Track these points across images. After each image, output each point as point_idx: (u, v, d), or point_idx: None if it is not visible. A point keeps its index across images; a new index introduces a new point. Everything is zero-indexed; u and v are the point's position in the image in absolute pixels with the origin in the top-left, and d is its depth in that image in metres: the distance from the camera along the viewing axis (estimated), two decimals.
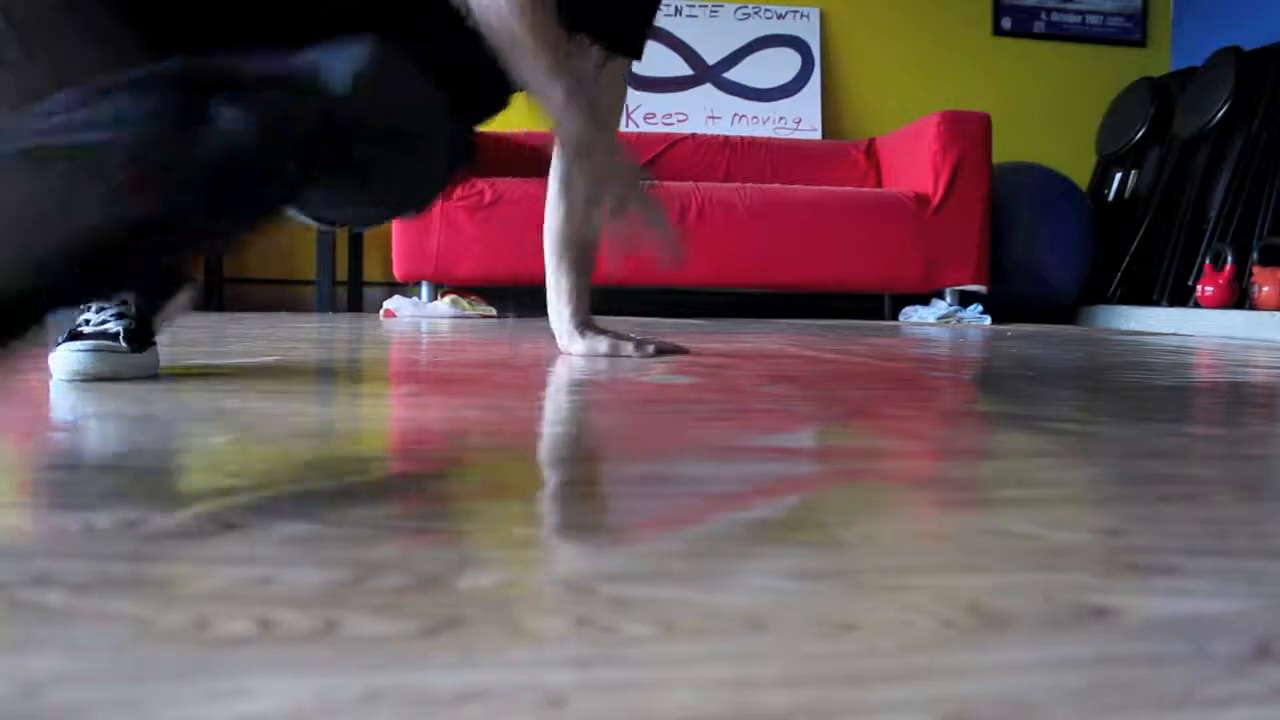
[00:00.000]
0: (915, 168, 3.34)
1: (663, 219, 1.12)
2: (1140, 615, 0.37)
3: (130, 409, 0.86)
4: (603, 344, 1.49)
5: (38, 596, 0.37)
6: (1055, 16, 4.13)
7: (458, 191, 3.00)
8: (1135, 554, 0.47)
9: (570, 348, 1.49)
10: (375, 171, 0.80)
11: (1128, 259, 3.54)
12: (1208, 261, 3.19)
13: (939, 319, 3.19)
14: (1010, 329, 2.88)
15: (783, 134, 3.78)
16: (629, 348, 1.48)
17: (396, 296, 3.12)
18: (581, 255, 1.50)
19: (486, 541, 0.46)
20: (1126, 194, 3.75)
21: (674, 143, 3.56)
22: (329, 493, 0.55)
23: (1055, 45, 4.13)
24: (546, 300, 1.52)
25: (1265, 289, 2.90)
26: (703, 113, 3.79)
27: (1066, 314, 3.53)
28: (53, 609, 0.36)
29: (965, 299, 3.29)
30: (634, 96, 3.74)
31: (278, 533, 0.46)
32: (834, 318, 3.34)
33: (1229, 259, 3.10)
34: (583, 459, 0.72)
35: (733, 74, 3.82)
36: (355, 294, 3.56)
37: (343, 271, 3.53)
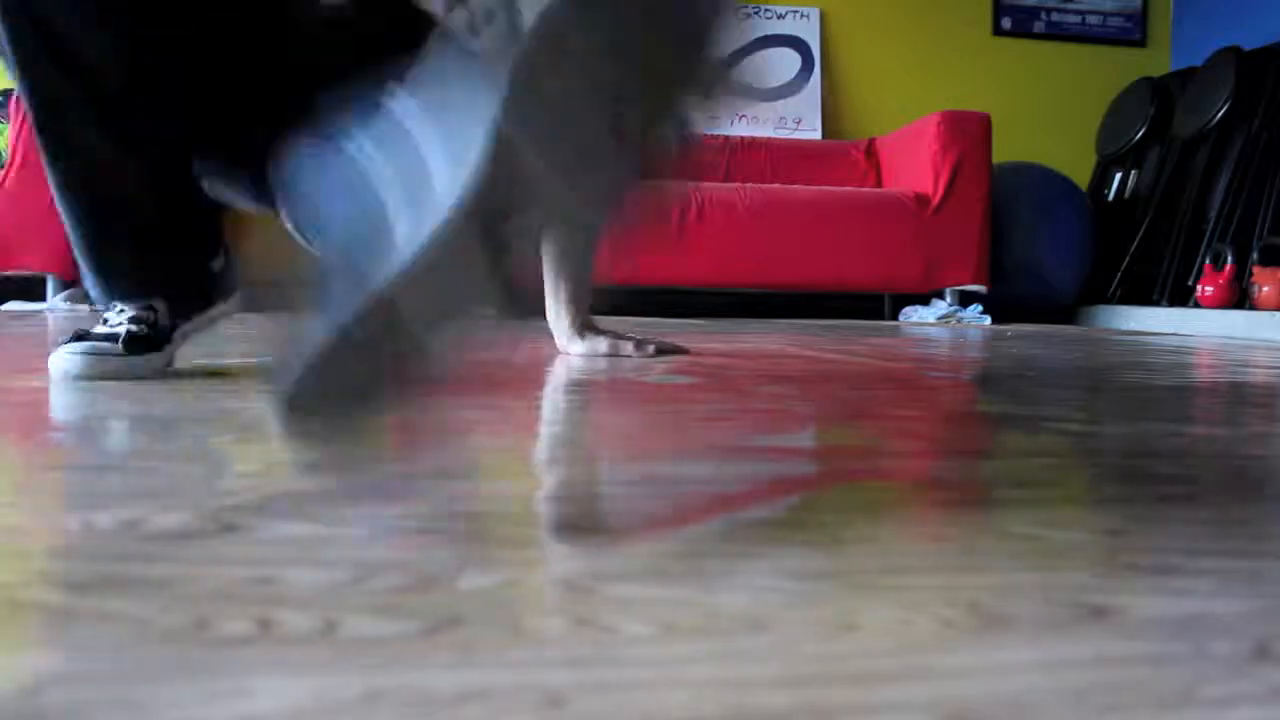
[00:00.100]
0: (915, 168, 3.34)
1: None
2: (1140, 615, 0.37)
3: (130, 409, 0.86)
4: (602, 344, 1.49)
5: (38, 596, 0.37)
6: (1055, 16, 4.13)
7: None
8: (1135, 554, 0.47)
9: (570, 348, 1.50)
10: None
11: (1128, 259, 3.54)
12: (1208, 261, 3.19)
13: (939, 319, 3.19)
14: (1010, 329, 2.88)
15: (783, 134, 3.78)
16: (629, 348, 1.48)
17: None
18: (578, 256, 1.50)
19: (486, 541, 0.46)
20: (1126, 194, 3.75)
21: None
22: (329, 493, 0.55)
23: (1055, 45, 4.13)
24: (546, 298, 1.52)
25: (1265, 289, 2.91)
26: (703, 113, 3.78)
27: (1066, 314, 3.53)
28: (53, 609, 0.36)
29: (965, 299, 3.29)
30: None
31: (278, 533, 0.46)
32: (834, 318, 3.34)
33: (1229, 259, 3.10)
34: (583, 459, 0.72)
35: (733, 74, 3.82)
36: None
37: None
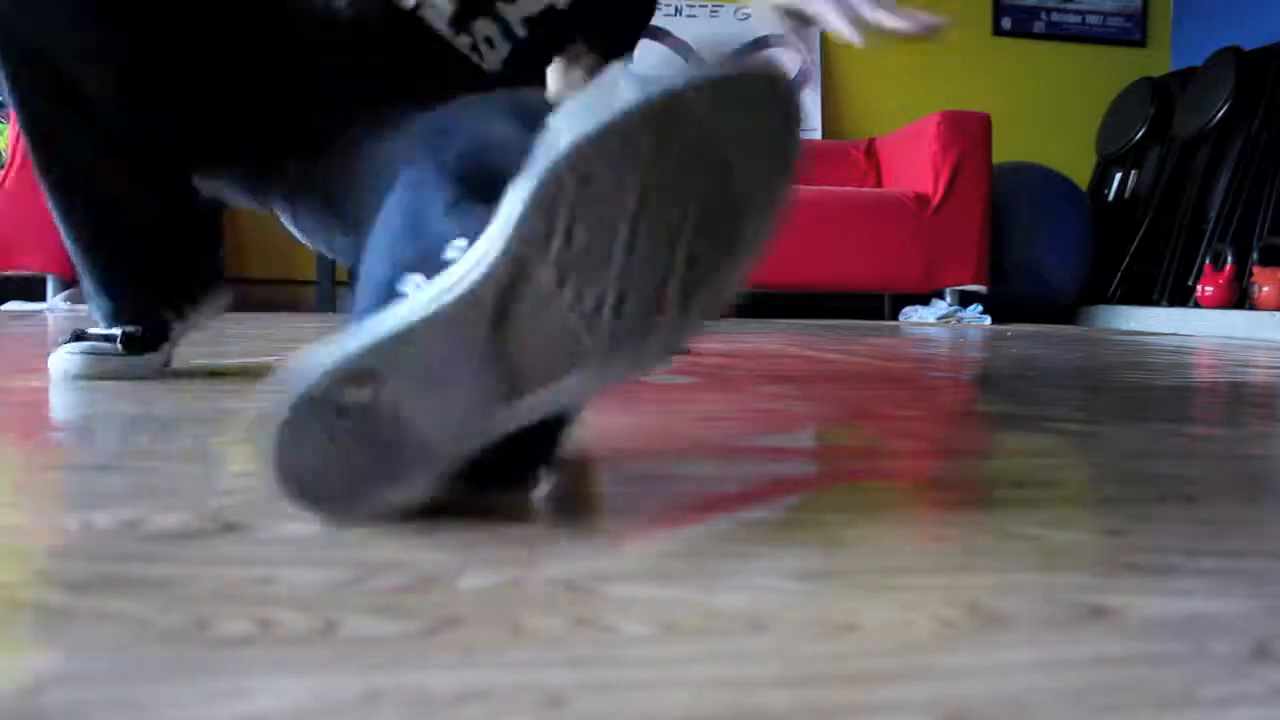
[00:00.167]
0: (915, 168, 3.34)
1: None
2: (1140, 615, 0.37)
3: (130, 409, 0.86)
4: None
5: (38, 596, 0.37)
6: (1055, 16, 4.13)
7: None
8: (1135, 554, 0.47)
9: None
10: None
11: (1128, 259, 3.54)
12: (1208, 261, 3.19)
13: (939, 319, 3.19)
14: (1010, 329, 2.88)
15: None
16: None
17: None
18: None
19: (486, 541, 0.46)
20: (1126, 194, 3.75)
21: None
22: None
23: (1055, 45, 4.13)
24: None
25: (1265, 289, 2.91)
26: None
27: (1066, 314, 3.53)
28: (53, 609, 0.36)
29: (965, 299, 3.29)
30: None
31: (278, 533, 0.46)
32: (834, 318, 3.34)
33: (1229, 259, 3.10)
34: (583, 459, 0.72)
35: None
36: None
37: (343, 272, 3.53)
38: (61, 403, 0.91)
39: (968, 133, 3.24)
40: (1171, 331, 2.99)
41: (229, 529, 0.46)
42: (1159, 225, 3.51)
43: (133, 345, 1.05)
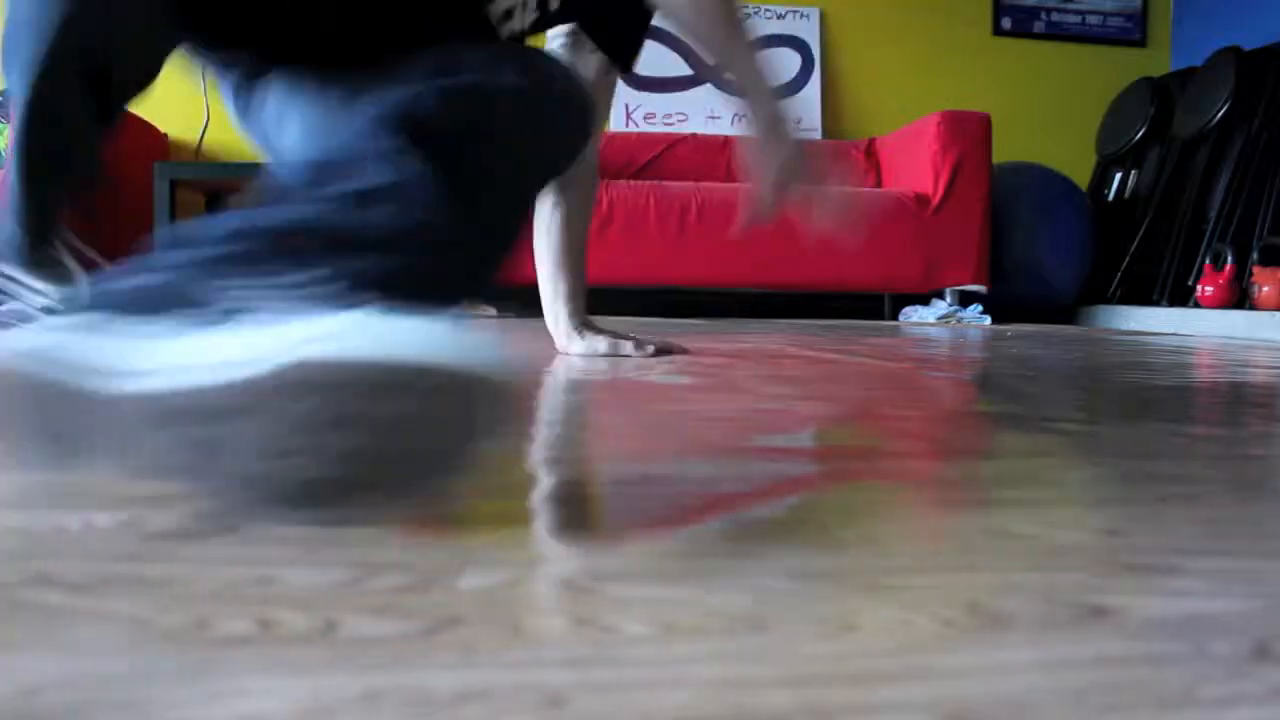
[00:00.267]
0: (915, 168, 3.34)
1: (841, 191, 1.10)
2: (1140, 615, 0.37)
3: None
4: (602, 344, 1.49)
5: (38, 596, 0.37)
6: (1055, 16, 4.13)
7: None
8: (1135, 554, 0.47)
9: (569, 348, 1.50)
10: None
11: (1128, 259, 3.54)
12: (1208, 261, 3.19)
13: (939, 319, 3.19)
14: (1010, 329, 2.88)
15: None
16: (628, 347, 1.48)
17: None
18: (576, 258, 1.50)
19: (486, 541, 0.46)
20: (1126, 194, 3.75)
21: (674, 143, 3.56)
22: (329, 493, 0.55)
23: (1055, 45, 4.14)
24: (542, 301, 1.52)
25: (1265, 289, 2.91)
26: (703, 113, 3.79)
27: (1066, 314, 3.53)
28: (53, 609, 0.36)
29: (965, 299, 3.29)
30: (634, 96, 3.74)
31: (278, 533, 0.46)
32: (834, 318, 3.34)
33: (1229, 259, 3.10)
34: (582, 459, 0.72)
35: None
36: None
37: None
38: None
39: (968, 133, 3.24)
40: (1171, 331, 2.99)
41: (229, 529, 0.46)
42: (1159, 225, 3.51)
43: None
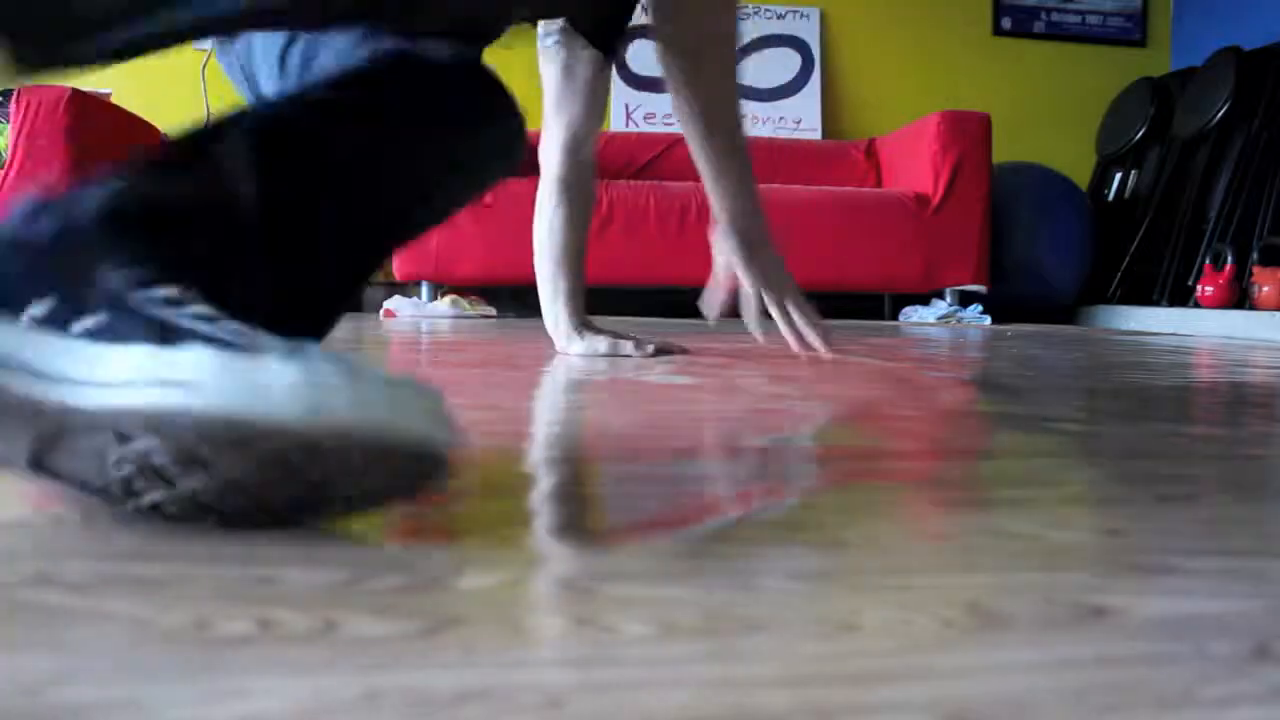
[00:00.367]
0: (915, 168, 3.34)
1: (815, 313, 1.12)
2: (1140, 615, 0.37)
3: None
4: (602, 344, 1.49)
5: (38, 596, 0.37)
6: (1055, 16, 4.13)
7: None
8: (1135, 554, 0.47)
9: (569, 349, 1.50)
10: None
11: (1128, 259, 3.54)
12: (1208, 261, 3.19)
13: (939, 319, 3.19)
14: (1010, 329, 2.88)
15: (783, 134, 3.78)
16: (628, 347, 1.48)
17: (396, 296, 3.12)
18: (576, 258, 1.50)
19: (486, 541, 0.46)
20: (1126, 194, 3.75)
21: (674, 143, 3.56)
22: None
23: (1055, 45, 4.14)
24: (540, 302, 1.52)
25: (1265, 289, 2.91)
26: None
27: (1066, 314, 3.54)
28: (53, 609, 0.36)
29: (965, 299, 3.29)
30: (634, 96, 3.74)
31: (278, 533, 0.46)
32: (834, 318, 3.34)
33: (1229, 259, 3.10)
34: (582, 459, 0.72)
35: None
36: None
37: None
38: None
39: (968, 133, 3.24)
40: (1171, 331, 2.99)
41: (229, 529, 0.46)
42: (1159, 225, 3.51)
43: None
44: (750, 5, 3.86)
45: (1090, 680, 0.31)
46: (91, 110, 2.87)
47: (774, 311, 1.05)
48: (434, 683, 0.30)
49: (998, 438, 0.85)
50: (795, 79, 3.87)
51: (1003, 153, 3.45)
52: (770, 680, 0.31)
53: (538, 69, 1.50)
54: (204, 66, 3.12)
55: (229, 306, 0.47)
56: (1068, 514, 0.56)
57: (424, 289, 3.14)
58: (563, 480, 0.63)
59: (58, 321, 0.44)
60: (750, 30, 3.85)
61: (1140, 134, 3.71)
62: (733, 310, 1.44)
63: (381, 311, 3.07)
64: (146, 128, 3.22)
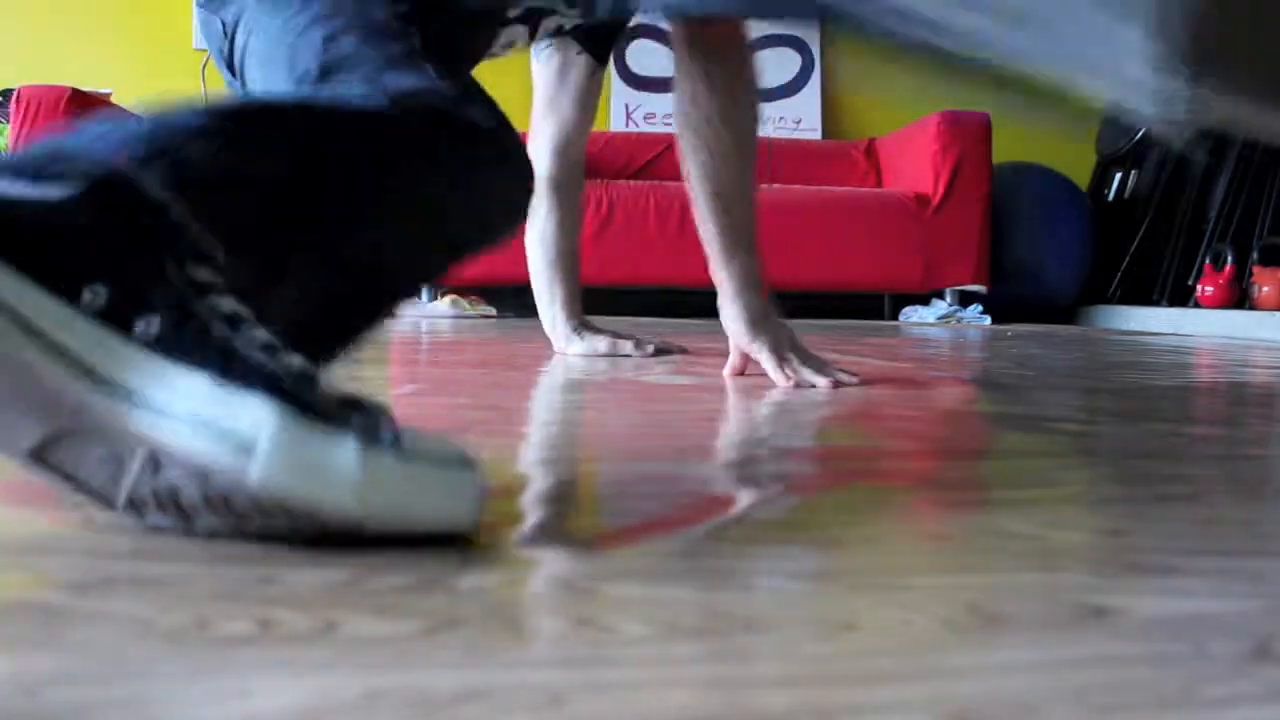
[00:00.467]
0: (915, 168, 3.34)
1: (818, 360, 1.18)
2: (1140, 615, 0.37)
3: None
4: (602, 343, 1.49)
5: (38, 596, 0.37)
6: None
7: None
8: (1135, 554, 0.47)
9: (568, 349, 1.50)
10: None
11: (1128, 259, 3.54)
12: (1208, 261, 3.19)
13: (939, 319, 3.19)
14: (1010, 329, 2.88)
15: (783, 134, 3.78)
16: (628, 346, 1.48)
17: None
18: (571, 259, 1.51)
19: (486, 541, 0.46)
20: (1126, 194, 3.75)
21: (674, 143, 3.55)
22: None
23: None
24: (537, 305, 1.52)
25: (1265, 289, 2.90)
26: None
27: (1066, 314, 3.53)
28: (53, 609, 0.36)
29: (965, 299, 3.29)
30: (634, 96, 3.74)
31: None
32: (834, 318, 3.34)
33: (1229, 259, 3.10)
34: (582, 459, 0.72)
35: None
36: None
37: None
38: None
39: (968, 133, 3.24)
40: (1171, 331, 2.99)
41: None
42: (1159, 225, 3.51)
43: None
44: None
45: (1090, 680, 0.31)
46: (91, 110, 2.87)
47: (782, 374, 1.11)
48: (434, 683, 0.30)
49: (997, 438, 0.85)
50: (795, 79, 3.86)
51: (1003, 153, 3.45)
52: (770, 680, 0.31)
53: (530, 71, 1.51)
54: (204, 66, 3.11)
55: (275, 302, 0.47)
56: (1068, 514, 0.56)
57: (424, 289, 3.14)
58: (562, 481, 0.63)
59: (119, 317, 0.41)
60: (750, 30, 3.85)
61: (1140, 134, 3.71)
62: None
63: None
64: None
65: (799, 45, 3.89)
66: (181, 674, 0.30)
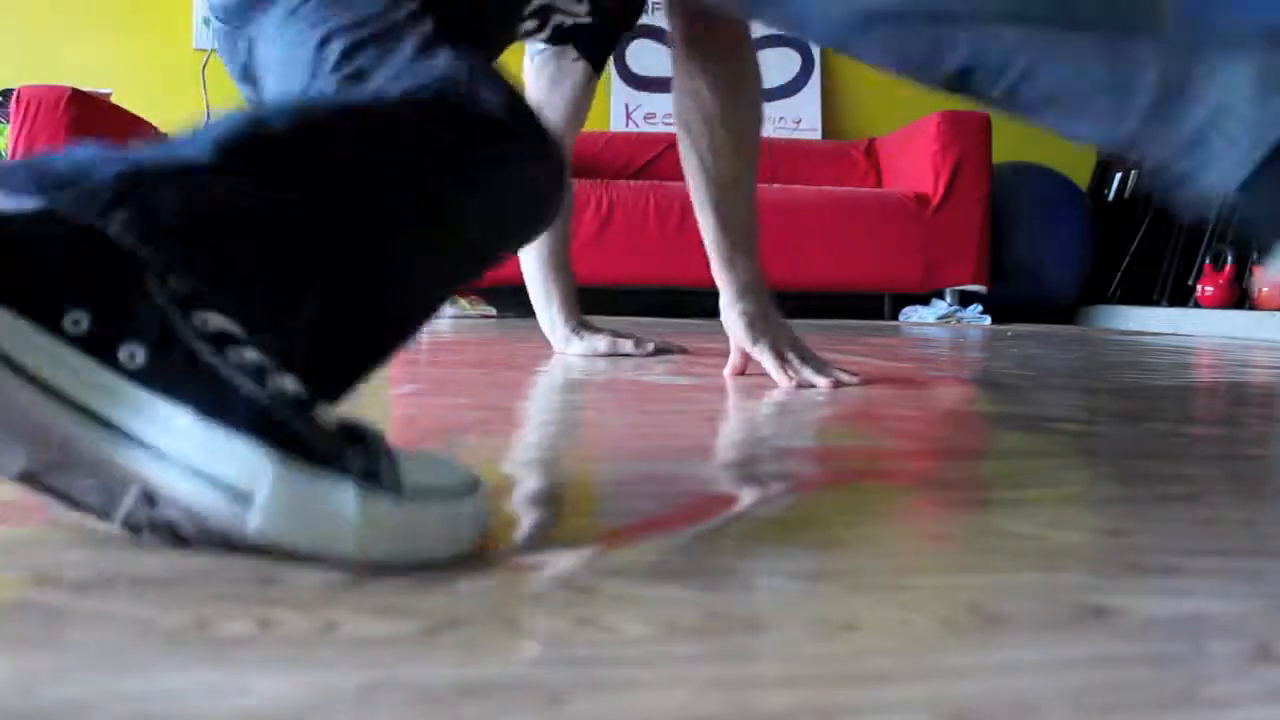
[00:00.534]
0: (915, 168, 3.34)
1: (819, 360, 1.18)
2: (1140, 615, 0.37)
3: None
4: (602, 343, 1.49)
5: (38, 596, 0.37)
6: None
7: None
8: (1135, 554, 0.47)
9: (567, 349, 1.50)
10: None
11: (1128, 259, 3.54)
12: (1208, 261, 3.19)
13: (939, 319, 3.19)
14: (1010, 329, 2.88)
15: (783, 134, 3.78)
16: (628, 345, 1.48)
17: None
18: (562, 260, 1.51)
19: (486, 541, 0.46)
20: (1126, 194, 3.75)
21: (674, 143, 3.55)
22: None
23: None
24: (535, 308, 1.52)
25: (1265, 289, 2.90)
26: None
27: (1066, 314, 3.53)
28: (53, 609, 0.36)
29: (965, 299, 3.29)
30: (634, 96, 3.74)
31: None
32: (834, 318, 3.34)
33: (1229, 259, 3.10)
34: (582, 459, 0.72)
35: None
36: None
37: None
38: None
39: (968, 133, 3.24)
40: (1171, 331, 2.99)
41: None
42: (1159, 225, 3.51)
43: None
44: None
45: (1090, 680, 0.31)
46: (91, 110, 2.87)
47: (783, 374, 1.11)
48: (434, 682, 0.30)
49: (998, 438, 0.85)
50: (795, 79, 3.86)
51: (1003, 153, 3.45)
52: (770, 680, 0.31)
53: (522, 70, 1.50)
54: (204, 66, 3.11)
55: (271, 323, 0.46)
56: (1068, 514, 0.56)
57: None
58: (561, 481, 0.63)
59: (101, 343, 0.40)
60: (751, 30, 3.85)
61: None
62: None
63: None
64: (147, 128, 3.22)
65: (799, 45, 3.89)
66: (181, 674, 0.30)
